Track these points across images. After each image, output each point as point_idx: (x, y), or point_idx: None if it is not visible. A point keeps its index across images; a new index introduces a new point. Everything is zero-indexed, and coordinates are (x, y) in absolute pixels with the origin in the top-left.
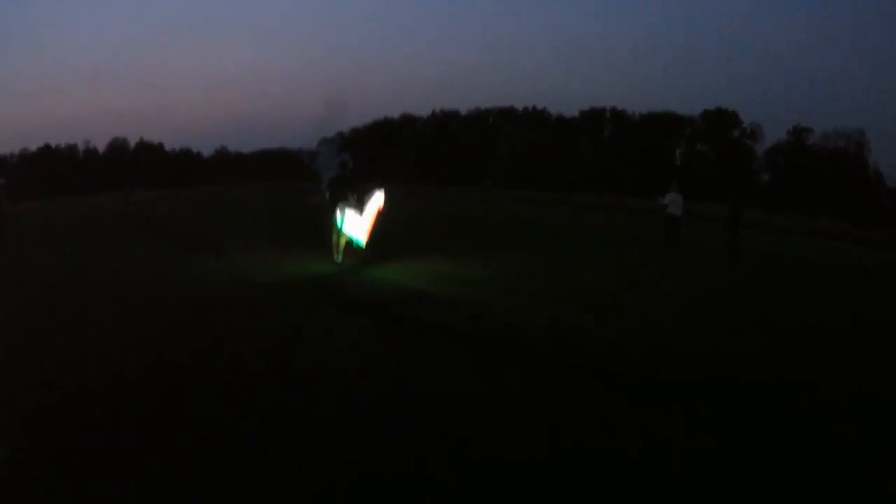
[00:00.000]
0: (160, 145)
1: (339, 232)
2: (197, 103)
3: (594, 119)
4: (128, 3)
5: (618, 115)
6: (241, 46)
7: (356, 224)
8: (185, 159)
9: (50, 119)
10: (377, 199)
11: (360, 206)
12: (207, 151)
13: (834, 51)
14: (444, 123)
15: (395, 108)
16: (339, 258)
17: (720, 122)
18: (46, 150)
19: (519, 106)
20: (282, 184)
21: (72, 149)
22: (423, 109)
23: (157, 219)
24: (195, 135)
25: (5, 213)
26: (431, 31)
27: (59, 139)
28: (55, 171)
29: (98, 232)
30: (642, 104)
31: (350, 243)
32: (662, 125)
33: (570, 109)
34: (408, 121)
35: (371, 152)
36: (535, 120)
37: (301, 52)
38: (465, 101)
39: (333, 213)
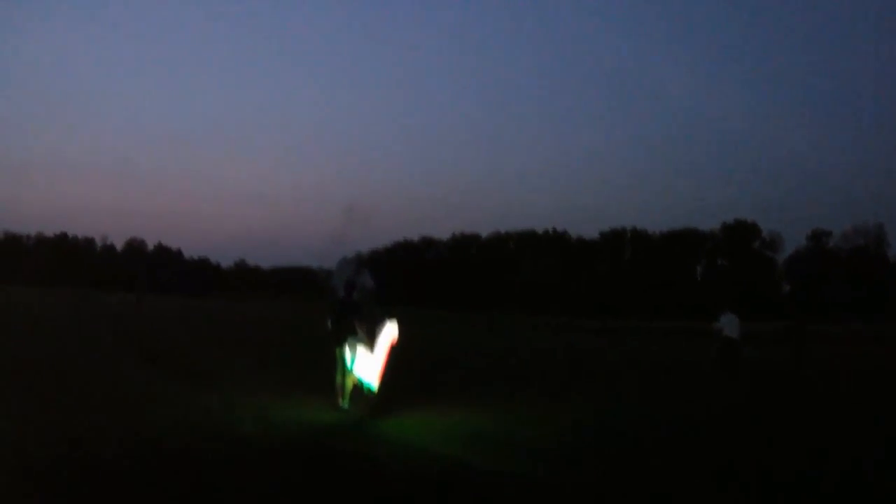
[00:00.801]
0: (178, 251)
1: (347, 372)
2: (218, 214)
3: (615, 240)
4: (158, 109)
5: (638, 235)
6: (266, 162)
7: (367, 364)
8: (204, 268)
9: (68, 207)
10: (390, 332)
11: (370, 339)
12: (226, 262)
13: (848, 148)
14: (465, 247)
15: (416, 229)
16: (345, 403)
17: (740, 234)
18: (63, 239)
19: (539, 228)
20: (299, 303)
21: (89, 241)
22: (443, 232)
23: (159, 332)
24: (214, 244)
25: None
26: (452, 153)
27: (75, 228)
28: (70, 260)
29: (91, 336)
30: (663, 222)
31: (359, 386)
32: (683, 242)
33: (591, 229)
34: (428, 243)
35: (390, 274)
36: (555, 243)
37: (322, 171)
38: (485, 223)
39: (337, 344)
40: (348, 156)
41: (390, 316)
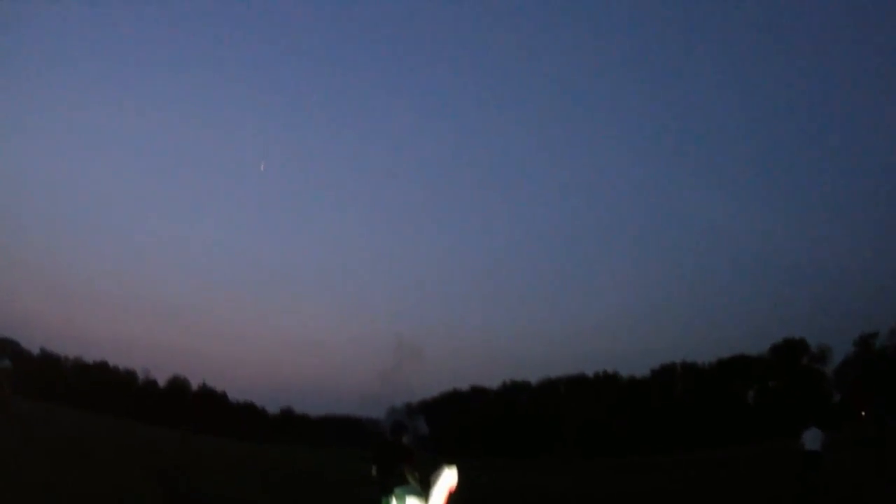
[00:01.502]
0: (223, 394)
1: None
2: (265, 359)
3: (665, 376)
4: (213, 253)
5: (688, 368)
6: (316, 309)
7: None
8: (249, 413)
9: (110, 338)
10: (448, 478)
11: (424, 488)
12: (272, 409)
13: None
14: (514, 395)
15: (465, 379)
16: None
17: (789, 353)
18: (104, 367)
19: (589, 372)
20: (347, 453)
21: (130, 374)
22: (492, 380)
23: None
24: (258, 390)
25: (4, 400)
26: (500, 299)
27: (116, 360)
28: (111, 389)
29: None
30: (711, 351)
31: None
32: (733, 369)
33: (641, 367)
34: (477, 393)
35: (439, 424)
36: (605, 384)
37: (373, 321)
38: (535, 370)
39: (383, 494)
40: (397, 303)
41: (448, 462)
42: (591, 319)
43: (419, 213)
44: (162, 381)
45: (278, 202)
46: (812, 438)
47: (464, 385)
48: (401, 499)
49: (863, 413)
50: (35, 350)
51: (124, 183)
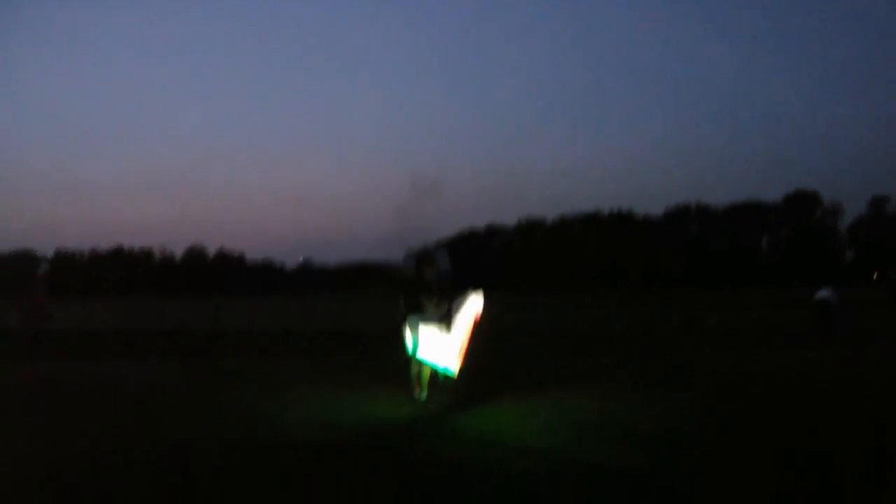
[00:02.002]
0: (241, 256)
1: (417, 361)
2: (279, 217)
3: (679, 216)
4: (204, 115)
5: (702, 210)
6: (326, 162)
7: (442, 345)
8: (268, 270)
9: (123, 222)
10: (474, 305)
11: (446, 318)
12: (290, 264)
13: None
14: (531, 233)
15: (481, 218)
16: (422, 395)
17: (802, 204)
18: (119, 252)
19: (604, 209)
20: (366, 297)
21: (146, 252)
22: (508, 219)
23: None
24: (276, 248)
25: (41, 309)
26: (513, 138)
27: (132, 242)
28: (127, 272)
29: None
30: (725, 196)
31: (435, 374)
32: (746, 214)
33: (655, 207)
34: (493, 231)
35: (457, 261)
36: (620, 222)
37: (385, 166)
38: (550, 208)
39: (409, 332)
40: (410, 148)
41: (475, 288)
42: (607, 158)
43: (431, 52)
44: (179, 254)
45: (280, 54)
46: (825, 293)
47: (480, 224)
48: (414, 326)
49: (875, 276)
50: (49, 253)
51: (119, 66)
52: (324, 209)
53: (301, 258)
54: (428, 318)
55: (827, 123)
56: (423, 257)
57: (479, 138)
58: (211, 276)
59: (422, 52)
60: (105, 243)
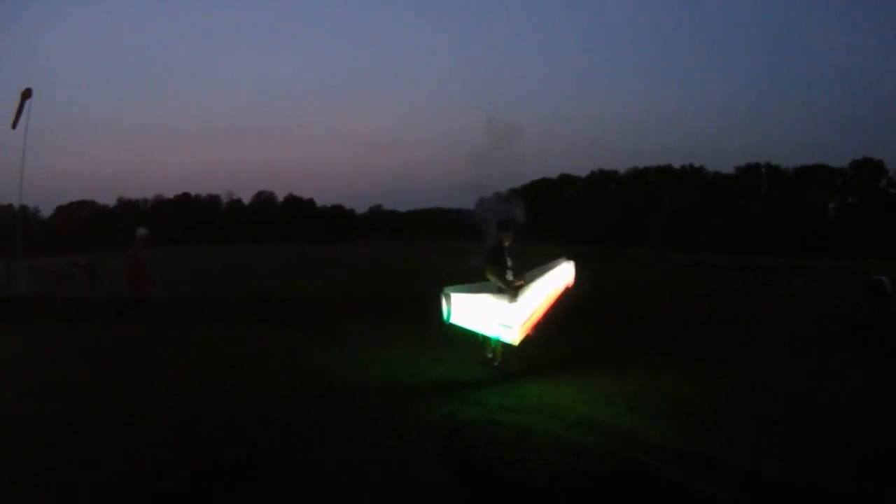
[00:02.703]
0: (311, 200)
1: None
2: (350, 162)
3: (750, 175)
4: (282, 63)
5: (772, 170)
6: (399, 109)
7: (502, 314)
8: (338, 215)
9: (191, 170)
10: (564, 273)
11: (514, 288)
12: (360, 209)
13: None
14: (603, 183)
15: (553, 168)
16: (495, 361)
17: (868, 172)
18: (185, 199)
19: (676, 164)
20: (439, 243)
21: (213, 199)
22: (580, 169)
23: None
24: (345, 193)
25: (144, 274)
26: (587, 89)
27: (198, 189)
28: (194, 218)
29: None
30: (794, 158)
31: (490, 343)
32: (815, 178)
33: (727, 165)
34: (566, 181)
35: (530, 212)
36: (692, 178)
37: (454, 113)
38: (622, 161)
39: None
40: (482, 95)
41: (567, 256)
42: (680, 113)
43: (504, 8)
44: (247, 199)
45: (353, 5)
46: (880, 277)
47: (553, 174)
48: (447, 297)
49: None
50: (112, 202)
51: (174, 19)
52: (396, 156)
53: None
54: (499, 288)
55: None
56: (505, 223)
57: (553, 87)
58: (280, 221)
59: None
60: (170, 192)
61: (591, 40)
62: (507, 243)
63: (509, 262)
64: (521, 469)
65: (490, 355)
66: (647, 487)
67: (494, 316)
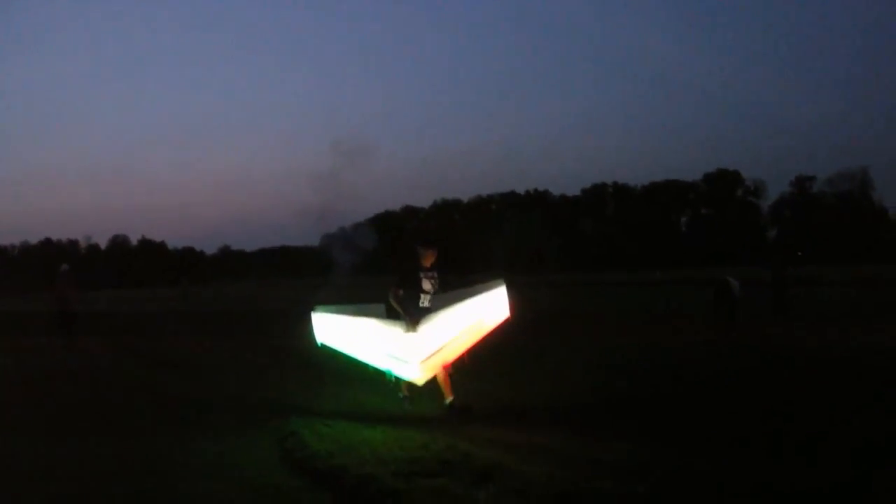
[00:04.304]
0: (162, 243)
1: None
2: (198, 203)
3: (596, 195)
4: (128, 107)
5: (620, 189)
6: (243, 150)
7: (403, 347)
8: (190, 257)
9: (50, 213)
10: (494, 301)
11: (418, 314)
12: (210, 250)
13: (829, 94)
14: (447, 213)
15: (396, 200)
16: (400, 392)
17: (723, 183)
18: (48, 244)
19: (520, 189)
20: (288, 283)
21: (73, 244)
22: (423, 200)
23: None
24: (196, 234)
25: (71, 305)
26: (426, 119)
27: (59, 233)
28: (54, 264)
29: None
30: (644, 176)
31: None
32: (665, 194)
33: (573, 188)
34: (410, 213)
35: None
36: (537, 202)
37: (295, 149)
38: (466, 191)
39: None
40: (322, 129)
41: (497, 277)
42: (523, 138)
43: (351, 35)
44: (103, 244)
45: (196, 47)
46: (728, 278)
47: (395, 206)
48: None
49: (800, 253)
50: None
51: (37, 55)
52: (244, 194)
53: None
54: (374, 312)
55: (751, 101)
56: (428, 238)
57: (396, 122)
58: (134, 264)
59: (341, 34)
60: (34, 236)
61: (431, 73)
62: (427, 262)
63: (426, 286)
64: (349, 458)
65: (404, 393)
66: (466, 467)
67: (384, 345)
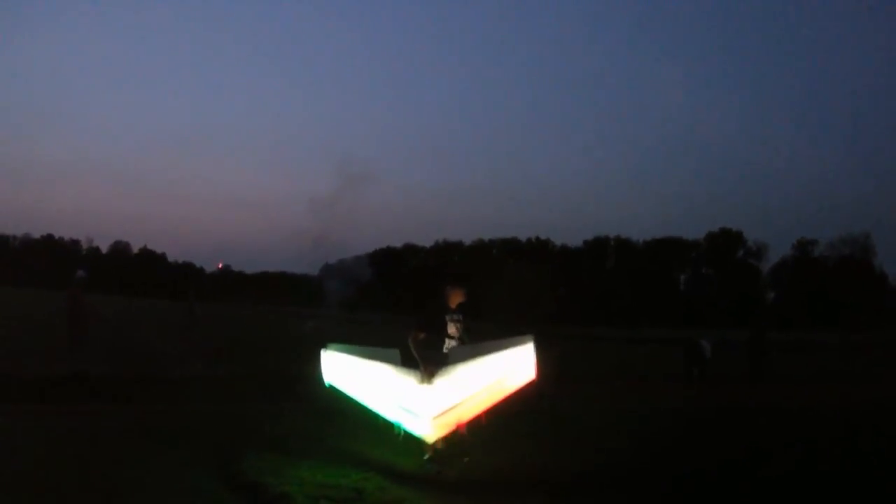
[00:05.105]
0: (163, 255)
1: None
2: (202, 218)
3: (598, 248)
4: (145, 113)
5: (622, 244)
6: (252, 167)
7: (417, 398)
8: (188, 272)
9: (55, 210)
10: (521, 358)
11: (435, 364)
12: (210, 267)
13: (832, 158)
14: (447, 253)
15: (398, 238)
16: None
17: (725, 243)
18: (50, 240)
19: (522, 237)
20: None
21: (75, 243)
22: (425, 240)
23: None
24: (195, 250)
25: (86, 313)
26: (433, 159)
27: (60, 231)
28: (58, 261)
29: None
30: (646, 232)
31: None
32: (667, 251)
33: (575, 240)
34: (410, 250)
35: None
36: (538, 251)
37: (307, 177)
38: (467, 233)
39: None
40: (331, 163)
41: (527, 332)
42: (527, 186)
43: (355, 68)
44: (105, 248)
45: (212, 60)
46: (701, 341)
47: (397, 243)
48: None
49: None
50: None
51: (47, 54)
52: (247, 215)
53: (220, 264)
54: (392, 358)
55: (758, 161)
56: (458, 275)
57: (401, 157)
58: (134, 272)
59: (356, 61)
60: (37, 230)
61: (439, 109)
62: (453, 303)
63: (451, 330)
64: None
65: (429, 453)
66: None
67: (395, 395)
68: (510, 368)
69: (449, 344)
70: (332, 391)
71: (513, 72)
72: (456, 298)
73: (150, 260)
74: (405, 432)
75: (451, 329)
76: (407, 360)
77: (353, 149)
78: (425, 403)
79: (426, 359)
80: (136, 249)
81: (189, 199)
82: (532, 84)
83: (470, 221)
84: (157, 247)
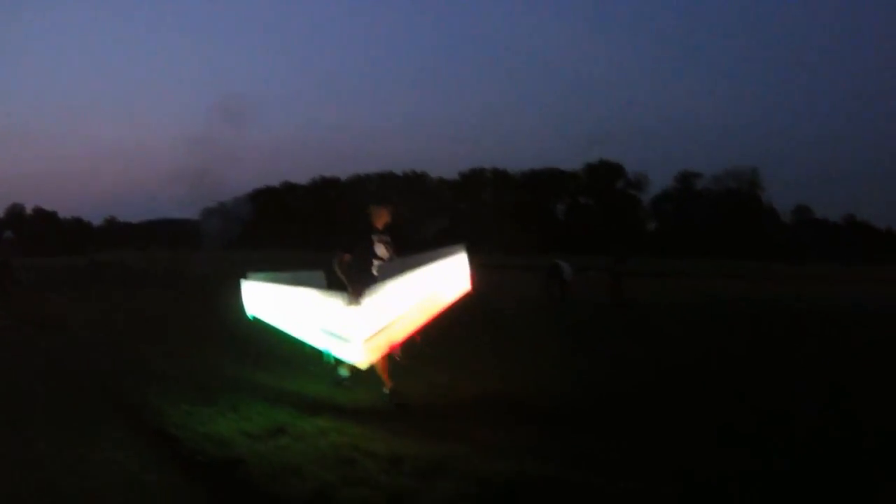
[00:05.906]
0: (54, 213)
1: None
2: (87, 171)
3: (474, 180)
4: (22, 71)
5: (499, 175)
6: (132, 118)
7: (344, 322)
8: (78, 228)
9: None
10: (454, 269)
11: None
12: (96, 220)
13: (718, 94)
14: (325, 191)
15: (275, 176)
16: (343, 370)
17: (604, 174)
18: None
19: (399, 171)
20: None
21: None
22: (303, 177)
23: None
24: (83, 204)
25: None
26: (308, 96)
27: None
28: None
29: None
30: (524, 164)
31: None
32: (545, 181)
33: (451, 171)
34: (289, 189)
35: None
36: (415, 184)
37: (185, 122)
38: (345, 168)
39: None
40: (206, 101)
41: (458, 242)
42: (401, 119)
43: (235, 13)
44: (1, 212)
45: (90, 11)
46: (561, 263)
47: (274, 182)
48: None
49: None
50: None
51: None
52: (129, 165)
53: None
54: (310, 279)
55: (642, 97)
56: (381, 197)
57: (277, 95)
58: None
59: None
60: None
61: (316, 47)
62: (380, 224)
63: (380, 251)
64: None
65: (345, 373)
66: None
67: (322, 321)
68: (443, 281)
69: (376, 266)
70: (256, 323)
71: (384, 3)
72: (382, 218)
73: (45, 219)
74: (335, 360)
75: (381, 250)
76: (333, 284)
77: (230, 86)
78: (354, 326)
79: (354, 280)
80: (29, 210)
81: (72, 154)
82: (406, 15)
83: (347, 158)
84: (48, 205)
